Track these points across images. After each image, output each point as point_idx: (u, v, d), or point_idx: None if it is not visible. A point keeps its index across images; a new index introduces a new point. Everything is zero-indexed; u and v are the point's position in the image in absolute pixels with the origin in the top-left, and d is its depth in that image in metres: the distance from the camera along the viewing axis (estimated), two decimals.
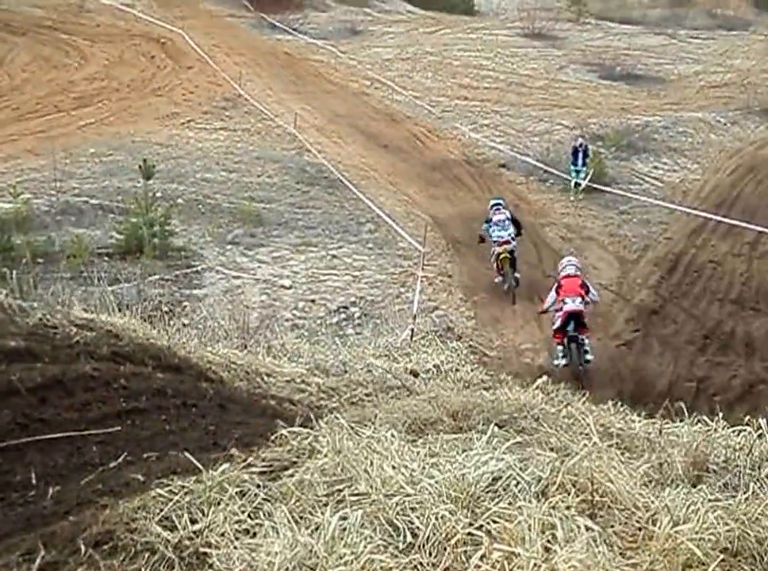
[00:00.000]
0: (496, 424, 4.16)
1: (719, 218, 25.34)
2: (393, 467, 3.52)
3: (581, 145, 28.83)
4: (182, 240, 23.01)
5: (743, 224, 24.26)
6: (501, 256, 21.76)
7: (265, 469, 3.61)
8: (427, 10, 53.16)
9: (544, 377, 5.32)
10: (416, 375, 14.24)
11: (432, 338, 18.64)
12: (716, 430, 5.30)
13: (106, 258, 21.49)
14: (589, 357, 17.66)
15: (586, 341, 17.61)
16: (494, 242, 21.96)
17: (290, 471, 3.58)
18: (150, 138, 29.44)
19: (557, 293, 17.69)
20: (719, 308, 22.30)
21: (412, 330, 18.35)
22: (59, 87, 34.45)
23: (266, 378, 8.02)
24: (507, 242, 21.76)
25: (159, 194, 23.85)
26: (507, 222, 22.07)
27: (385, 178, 28.86)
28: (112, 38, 41.26)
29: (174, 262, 22.04)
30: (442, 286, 22.54)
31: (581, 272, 18.67)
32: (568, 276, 17.98)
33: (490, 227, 22.13)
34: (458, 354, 17.79)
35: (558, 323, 17.37)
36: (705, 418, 5.72)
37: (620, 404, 10.12)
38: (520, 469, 3.55)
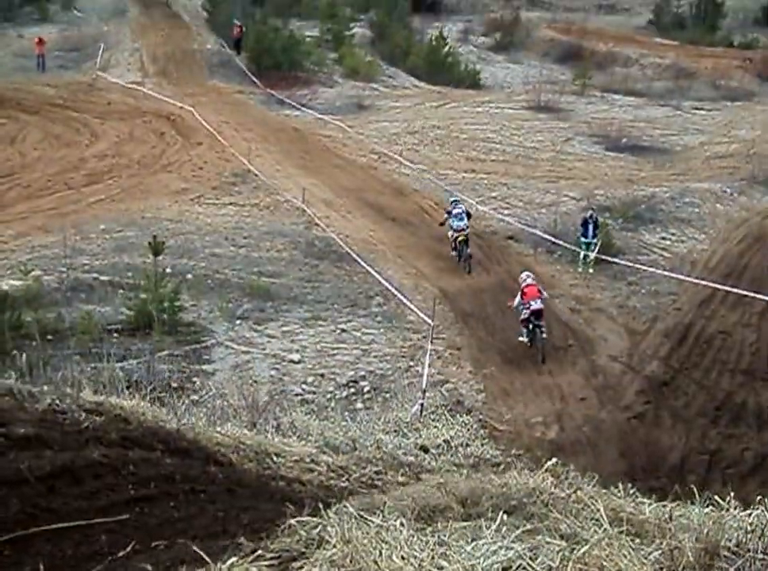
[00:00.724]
0: (505, 511, 4.14)
1: (728, 288, 25.38)
2: (403, 558, 3.50)
3: (591, 217, 28.93)
4: (191, 316, 23.10)
5: (753, 294, 24.28)
6: (459, 239, 28.24)
7: (273, 560, 3.59)
8: (433, 85, 53.67)
9: (554, 460, 5.30)
10: (426, 451, 14.20)
11: (441, 412, 18.61)
12: (727, 509, 5.23)
13: (116, 335, 21.57)
14: (544, 336, 23.38)
15: (543, 326, 23.41)
16: (453, 229, 28.32)
17: (299, 563, 3.57)
18: (160, 214, 29.66)
19: (522, 297, 23.49)
20: (729, 378, 22.25)
21: (422, 404, 18.32)
22: (69, 165, 34.81)
23: (275, 458, 7.99)
24: (463, 230, 28.22)
25: (168, 270, 23.98)
26: (463, 214, 28.47)
27: (394, 251, 28.99)
28: (122, 115, 41.79)
29: (183, 338, 22.12)
30: (451, 359, 22.56)
31: (536, 281, 24.29)
32: (528, 285, 23.72)
33: (451, 217, 28.47)
34: (468, 429, 17.76)
35: (525, 316, 23.42)
36: (717, 497, 5.65)
37: (630, 483, 10.03)
38: (530, 558, 3.52)
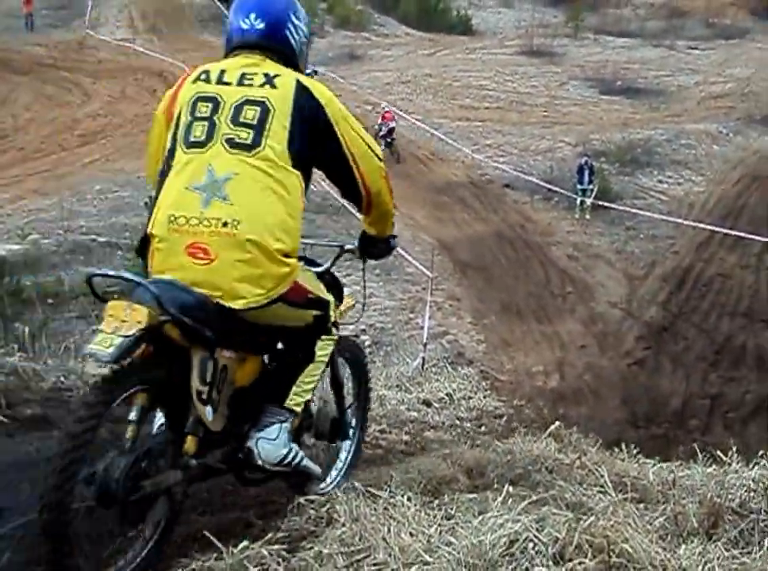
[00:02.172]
0: (510, 481, 4.20)
1: (725, 230, 25.37)
2: (411, 534, 3.55)
3: (586, 163, 28.88)
4: None
5: (750, 236, 24.27)
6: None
7: (284, 540, 3.64)
8: (425, 32, 53.35)
9: (557, 423, 5.39)
10: (428, 405, 14.24)
11: (443, 365, 18.63)
12: (729, 464, 5.29)
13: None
14: (394, 144, 32.09)
15: (395, 139, 32.16)
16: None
17: (309, 542, 3.62)
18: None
19: (382, 120, 32.59)
20: (729, 322, 22.31)
21: (423, 358, 18.35)
22: (63, 125, 34.60)
23: None
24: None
25: None
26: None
27: None
28: (113, 74, 41.45)
29: None
30: (451, 310, 22.58)
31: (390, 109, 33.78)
32: (387, 111, 33.26)
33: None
34: (469, 381, 17.74)
35: (384, 133, 31.56)
36: (720, 450, 5.69)
37: (632, 431, 10.12)
38: (537, 529, 3.56)
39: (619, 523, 3.61)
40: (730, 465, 5.27)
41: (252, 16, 4.07)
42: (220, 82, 3.99)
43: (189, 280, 3.70)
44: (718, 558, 3.52)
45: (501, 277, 24.55)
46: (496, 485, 4.14)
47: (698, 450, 5.68)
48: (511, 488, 4.03)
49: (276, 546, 3.56)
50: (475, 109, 38.54)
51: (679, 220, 27.05)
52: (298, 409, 4.04)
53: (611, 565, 3.37)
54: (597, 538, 3.47)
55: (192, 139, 3.89)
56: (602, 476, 4.33)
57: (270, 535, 3.69)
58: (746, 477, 4.86)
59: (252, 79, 3.93)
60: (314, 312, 4.06)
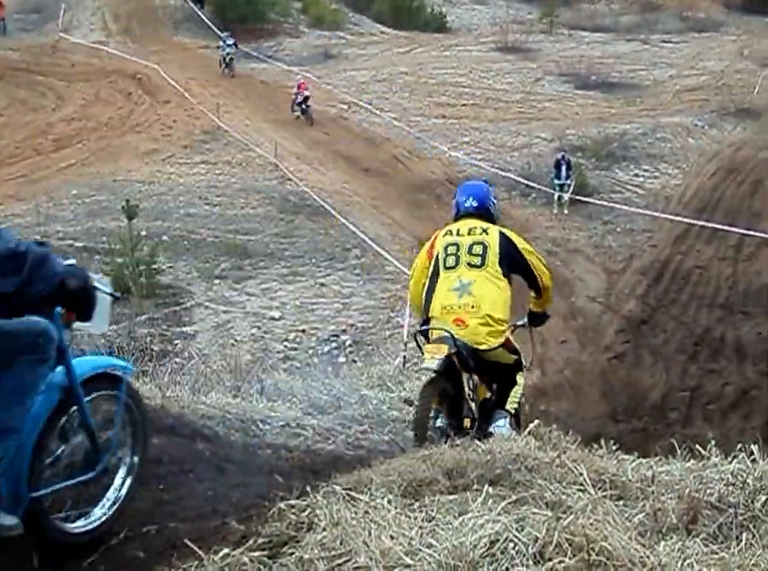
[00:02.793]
0: (490, 481, 4.21)
1: (702, 223, 25.48)
2: (392, 537, 3.55)
3: (563, 157, 28.96)
4: (169, 278, 23.05)
5: (727, 228, 24.39)
6: (229, 58, 42.49)
7: (264, 546, 3.64)
8: (400, 30, 53.24)
9: (536, 422, 5.48)
10: (410, 404, 14.24)
11: None
12: (708, 458, 5.30)
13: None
14: (309, 110, 36.44)
15: (310, 106, 36.20)
16: (225, 52, 42.69)
17: (290, 547, 3.62)
18: (131, 176, 29.47)
19: (298, 89, 36.02)
20: (707, 313, 22.38)
21: (405, 357, 18.34)
22: (37, 130, 34.44)
23: (261, 425, 8.04)
24: (231, 53, 42.98)
25: (143, 233, 23.85)
26: (232, 44, 42.90)
27: (369, 202, 28.94)
28: (87, 77, 41.21)
29: (162, 301, 22.10)
30: None
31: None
32: (302, 82, 36.53)
33: (224, 46, 42.81)
34: None
35: (300, 100, 35.86)
36: (699, 443, 5.70)
37: (612, 425, 10.15)
38: (517, 529, 3.57)
39: (598, 521, 3.62)
40: (709, 459, 5.28)
41: (471, 198, 7.36)
42: (457, 234, 7.10)
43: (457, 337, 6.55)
44: (697, 554, 3.53)
45: None
46: (476, 486, 4.15)
47: (677, 445, 5.69)
48: (491, 489, 4.04)
49: (257, 553, 3.57)
50: (451, 107, 38.55)
51: (656, 214, 27.16)
52: (513, 410, 6.86)
53: (591, 563, 3.38)
54: (577, 537, 3.48)
55: (447, 265, 6.96)
56: (581, 474, 4.34)
57: (250, 542, 3.69)
58: (724, 471, 4.87)
59: (475, 231, 7.05)
60: (515, 357, 7.00)
